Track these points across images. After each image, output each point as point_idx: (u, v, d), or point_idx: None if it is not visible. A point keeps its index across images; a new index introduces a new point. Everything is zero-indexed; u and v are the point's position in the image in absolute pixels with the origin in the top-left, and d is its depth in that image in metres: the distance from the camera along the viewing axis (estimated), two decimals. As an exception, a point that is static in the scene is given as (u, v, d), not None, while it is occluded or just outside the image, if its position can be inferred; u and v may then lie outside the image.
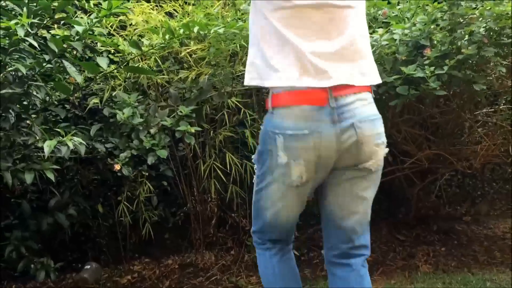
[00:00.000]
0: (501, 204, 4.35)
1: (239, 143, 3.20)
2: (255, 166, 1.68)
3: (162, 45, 2.67)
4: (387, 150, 1.68)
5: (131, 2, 3.14)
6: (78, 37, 2.26)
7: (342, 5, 1.52)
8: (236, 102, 2.93)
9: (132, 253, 3.68)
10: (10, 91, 2.19)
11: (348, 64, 1.55)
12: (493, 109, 3.22)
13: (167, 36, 2.62)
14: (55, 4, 2.44)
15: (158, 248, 3.72)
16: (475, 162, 3.06)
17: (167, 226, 3.69)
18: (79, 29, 2.21)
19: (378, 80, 1.66)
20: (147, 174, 3.05)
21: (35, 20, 2.08)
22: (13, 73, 2.34)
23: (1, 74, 2.07)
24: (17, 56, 2.17)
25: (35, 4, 2.33)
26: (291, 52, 1.52)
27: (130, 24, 3.22)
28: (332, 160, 1.59)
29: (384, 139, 1.67)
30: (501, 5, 2.62)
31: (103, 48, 2.93)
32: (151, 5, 3.18)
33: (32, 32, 2.04)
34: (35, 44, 1.96)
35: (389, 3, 3.27)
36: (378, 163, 1.65)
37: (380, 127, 1.65)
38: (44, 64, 2.38)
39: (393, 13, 3.09)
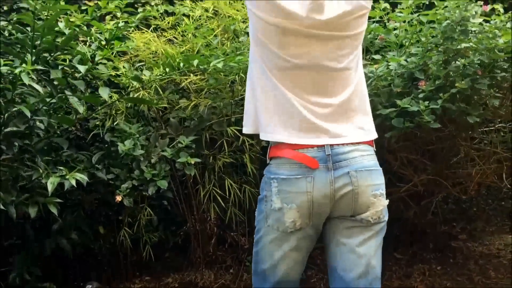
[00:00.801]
0: (497, 221, 4.42)
1: (238, 167, 3.26)
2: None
3: (162, 77, 2.73)
4: (387, 201, 1.68)
5: (133, 31, 3.20)
6: (80, 74, 2.32)
7: (340, 67, 1.56)
8: (235, 131, 2.98)
9: (133, 271, 3.75)
10: (14, 128, 2.25)
11: (345, 123, 1.59)
12: (489, 128, 3.26)
13: (167, 69, 2.67)
14: (59, 40, 2.51)
15: (158, 267, 3.79)
16: (470, 188, 3.11)
17: (168, 246, 3.76)
18: (82, 69, 2.27)
19: (375, 136, 1.68)
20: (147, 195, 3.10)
21: (39, 65, 2.13)
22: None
23: (5, 114, 2.12)
24: (20, 94, 2.22)
25: (38, 42, 2.39)
26: (287, 109, 1.56)
27: (131, 48, 3.29)
28: (327, 208, 1.61)
29: (383, 191, 1.65)
30: (494, 39, 2.67)
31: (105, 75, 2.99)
32: (152, 33, 3.23)
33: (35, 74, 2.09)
34: (39, 89, 2.02)
35: (385, 27, 3.33)
36: (378, 215, 1.63)
37: (378, 178, 1.65)
38: (48, 99, 2.44)
39: (389, 38, 3.14)
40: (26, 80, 1.93)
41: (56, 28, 2.34)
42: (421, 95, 2.68)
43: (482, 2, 2.82)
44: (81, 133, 3.29)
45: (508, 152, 3.16)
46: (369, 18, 3.33)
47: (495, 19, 2.72)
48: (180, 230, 3.84)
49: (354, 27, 1.54)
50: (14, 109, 2.15)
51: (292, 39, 1.51)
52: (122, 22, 2.94)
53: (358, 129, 1.62)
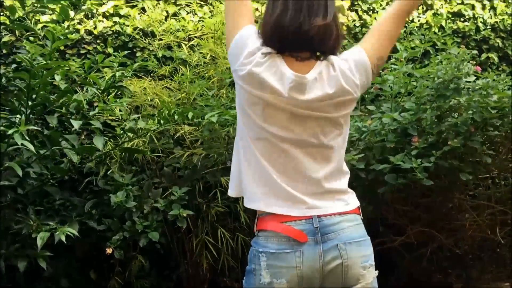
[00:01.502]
0: (492, 268, 4.37)
1: (232, 215, 3.25)
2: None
3: (157, 128, 2.74)
4: (377, 272, 1.67)
5: (131, 77, 3.24)
6: (74, 129, 2.33)
7: (321, 144, 1.56)
8: (228, 181, 2.98)
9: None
10: (6, 183, 2.25)
11: (328, 196, 1.58)
12: (482, 182, 3.26)
13: (162, 121, 2.69)
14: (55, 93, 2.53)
15: (151, 311, 3.74)
16: (464, 241, 3.10)
17: (160, 291, 3.71)
18: (76, 124, 2.29)
19: (358, 203, 1.68)
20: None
21: (34, 115, 2.14)
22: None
23: (-1, 169, 2.13)
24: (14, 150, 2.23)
25: (34, 95, 2.41)
26: (268, 181, 1.55)
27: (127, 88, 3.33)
28: (317, 282, 1.59)
29: (372, 262, 1.63)
30: (486, 97, 2.70)
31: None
32: (149, 80, 3.27)
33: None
34: (32, 149, 2.02)
35: (379, 76, 3.36)
36: (369, 286, 1.63)
37: (367, 249, 1.62)
38: (42, 152, 2.44)
39: (383, 88, 3.17)
40: (19, 141, 1.94)
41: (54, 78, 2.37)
42: (414, 152, 2.69)
43: (474, 63, 2.85)
44: (75, 176, 3.29)
45: (502, 205, 3.16)
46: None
47: (487, 78, 2.75)
48: (173, 274, 3.80)
49: (336, 110, 1.55)
50: (6, 164, 2.15)
51: (274, 113, 1.52)
52: (119, 72, 2.98)
53: (342, 201, 1.62)
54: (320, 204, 1.56)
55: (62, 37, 2.49)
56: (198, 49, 3.62)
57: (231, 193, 1.67)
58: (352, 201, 1.65)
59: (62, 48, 3.70)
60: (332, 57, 1.54)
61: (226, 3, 1.61)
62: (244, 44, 1.51)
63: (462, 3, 4.38)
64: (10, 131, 1.96)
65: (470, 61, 3.27)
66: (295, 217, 1.56)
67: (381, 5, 4.23)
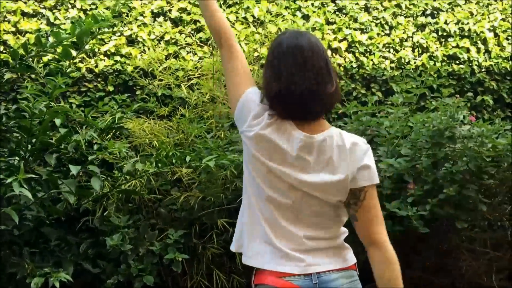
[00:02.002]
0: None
1: (227, 258, 3.24)
2: None
3: (154, 171, 2.76)
4: None
5: (131, 117, 3.27)
6: (72, 173, 2.35)
7: (322, 212, 1.56)
8: (224, 223, 2.99)
9: None
10: (3, 227, 2.25)
11: (325, 254, 1.59)
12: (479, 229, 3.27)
13: (159, 165, 2.70)
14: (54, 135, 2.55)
15: None
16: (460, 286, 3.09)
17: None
18: (74, 170, 2.30)
19: (355, 260, 1.69)
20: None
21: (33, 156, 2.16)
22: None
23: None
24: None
25: (34, 139, 2.43)
26: (268, 242, 1.56)
27: (126, 129, 3.36)
28: None
29: None
30: (482, 147, 2.73)
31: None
32: (148, 120, 3.30)
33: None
34: (30, 196, 2.04)
35: (374, 115, 3.41)
36: None
37: None
38: (39, 195, 2.45)
39: (379, 132, 3.20)
40: (17, 190, 1.95)
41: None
42: (410, 199, 2.71)
43: (469, 113, 2.89)
44: (71, 213, 3.29)
45: (497, 251, 3.16)
46: (360, 110, 3.43)
47: (482, 127, 2.79)
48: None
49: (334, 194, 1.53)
50: (2, 210, 2.16)
51: (275, 180, 1.54)
52: (118, 113, 3.01)
53: (340, 257, 1.62)
54: (319, 261, 1.57)
55: (63, 78, 2.50)
56: (197, 88, 3.66)
57: (232, 247, 1.68)
58: (349, 257, 1.65)
59: (62, 84, 3.74)
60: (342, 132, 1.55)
61: (225, 66, 1.64)
62: (249, 107, 1.54)
63: (457, 46, 4.46)
64: (9, 180, 1.97)
65: (465, 106, 3.34)
66: (294, 274, 1.57)
67: (377, 47, 4.31)
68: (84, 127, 3.31)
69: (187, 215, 3.00)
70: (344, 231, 1.67)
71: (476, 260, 3.23)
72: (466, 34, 4.50)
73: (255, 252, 1.59)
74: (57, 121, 2.50)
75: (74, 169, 2.32)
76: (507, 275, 3.35)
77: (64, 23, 3.87)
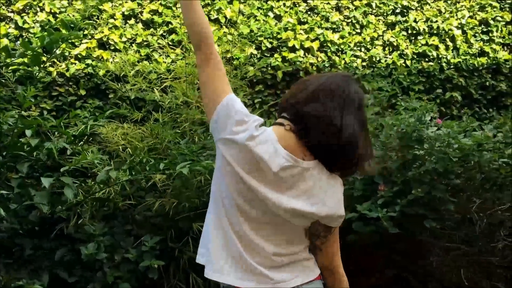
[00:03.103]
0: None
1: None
2: None
3: (129, 178, 2.77)
4: None
5: (104, 123, 3.26)
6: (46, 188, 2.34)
7: (290, 227, 1.57)
8: (200, 227, 3.01)
9: None
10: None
11: (293, 267, 1.60)
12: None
13: (133, 172, 2.71)
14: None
15: None
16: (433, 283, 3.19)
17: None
18: (46, 183, 2.30)
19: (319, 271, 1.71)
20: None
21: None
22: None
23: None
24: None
25: (4, 152, 2.41)
26: (235, 252, 1.56)
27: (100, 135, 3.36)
28: None
29: None
30: (449, 147, 2.81)
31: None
32: (122, 126, 3.29)
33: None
34: (2, 213, 2.03)
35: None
36: None
37: None
38: (12, 207, 2.44)
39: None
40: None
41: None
42: (380, 201, 2.77)
43: (436, 115, 2.97)
44: (45, 220, 3.27)
45: (468, 246, 3.26)
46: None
47: (448, 129, 2.86)
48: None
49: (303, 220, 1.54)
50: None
51: (249, 194, 1.52)
52: (91, 120, 3.00)
53: (307, 270, 1.63)
54: (286, 276, 1.58)
55: (32, 91, 2.48)
56: (171, 91, 3.66)
57: (199, 259, 1.66)
58: (315, 267, 1.67)
59: (33, 90, 3.69)
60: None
61: (202, 71, 1.54)
62: (229, 114, 1.47)
63: (427, 44, 4.55)
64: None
65: (433, 105, 3.42)
66: None
67: (349, 46, 4.36)
68: (56, 132, 3.29)
69: (163, 221, 3.01)
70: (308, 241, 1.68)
71: (446, 255, 3.33)
72: (435, 32, 4.59)
73: (223, 267, 1.56)
74: (28, 132, 2.48)
75: (46, 182, 2.32)
76: (477, 269, 3.47)
77: (33, 27, 3.82)
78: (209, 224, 1.61)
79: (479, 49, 4.66)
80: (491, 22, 4.71)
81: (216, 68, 1.55)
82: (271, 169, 1.45)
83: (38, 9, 3.87)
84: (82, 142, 3.17)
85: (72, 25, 3.57)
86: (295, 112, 1.50)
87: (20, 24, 3.79)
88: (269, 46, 4.19)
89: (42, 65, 3.29)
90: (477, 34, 4.69)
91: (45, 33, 3.12)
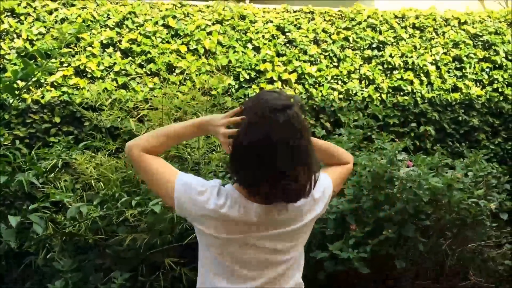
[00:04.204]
0: None
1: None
2: None
3: (100, 214, 2.74)
4: None
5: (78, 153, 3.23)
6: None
7: (283, 261, 1.56)
8: (171, 263, 2.99)
9: None
10: None
11: None
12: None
13: (104, 208, 2.69)
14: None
15: None
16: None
17: None
18: (13, 222, 2.26)
19: None
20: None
21: None
22: None
23: None
24: None
25: None
26: None
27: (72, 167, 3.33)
28: None
29: None
30: (419, 189, 2.86)
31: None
32: (96, 156, 3.27)
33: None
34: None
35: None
36: None
37: None
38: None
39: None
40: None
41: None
42: (351, 241, 2.80)
43: (406, 156, 3.02)
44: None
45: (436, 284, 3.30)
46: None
47: (419, 170, 2.92)
48: None
49: (299, 235, 1.56)
50: None
51: (238, 248, 1.49)
52: (64, 151, 2.98)
53: None
54: None
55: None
56: (147, 120, 3.65)
57: None
58: None
59: (6, 117, 3.66)
60: None
61: (147, 173, 1.52)
62: (188, 189, 1.46)
63: (402, 78, 4.64)
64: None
65: (408, 141, 3.48)
66: None
67: (326, 78, 4.43)
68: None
69: (134, 255, 2.98)
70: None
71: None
72: (410, 67, 4.68)
73: None
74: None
75: (12, 220, 2.28)
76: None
77: (9, 53, 3.78)
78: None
79: (453, 84, 4.77)
80: (465, 58, 4.83)
81: (158, 162, 1.53)
82: (252, 224, 1.47)
83: (15, 35, 3.84)
84: (53, 174, 3.13)
85: (48, 53, 3.58)
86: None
87: (-5, 50, 3.76)
88: (247, 77, 4.22)
89: (16, 93, 3.26)
90: (450, 70, 4.80)
91: (20, 65, 3.11)
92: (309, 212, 1.55)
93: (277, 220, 1.50)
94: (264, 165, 1.41)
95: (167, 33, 4.17)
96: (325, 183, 1.63)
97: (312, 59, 4.45)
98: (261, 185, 1.44)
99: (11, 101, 3.57)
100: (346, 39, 4.59)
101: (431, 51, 4.77)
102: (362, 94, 4.50)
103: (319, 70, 4.43)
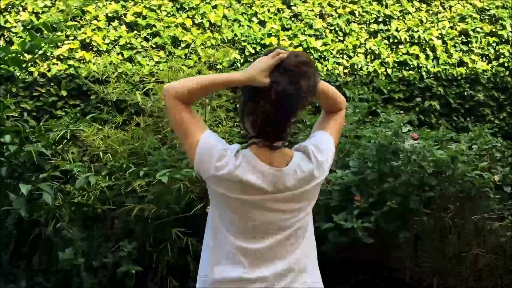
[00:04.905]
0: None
1: (182, 265, 3.30)
2: None
3: (109, 184, 2.78)
4: None
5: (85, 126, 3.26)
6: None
7: (292, 231, 1.59)
8: (178, 233, 3.05)
9: None
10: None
11: (297, 280, 1.64)
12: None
13: (112, 178, 2.73)
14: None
15: None
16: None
17: None
18: (24, 190, 2.30)
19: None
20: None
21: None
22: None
23: None
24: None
25: None
26: (243, 270, 1.60)
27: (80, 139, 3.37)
28: None
29: None
30: (424, 161, 2.88)
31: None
32: (103, 128, 3.30)
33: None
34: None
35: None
36: None
37: None
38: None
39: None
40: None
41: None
42: (356, 211, 2.83)
43: (411, 128, 3.03)
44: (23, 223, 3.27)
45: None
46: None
47: (424, 142, 2.93)
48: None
49: (309, 197, 1.60)
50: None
51: (251, 209, 1.53)
52: (71, 122, 3.00)
53: (310, 282, 1.67)
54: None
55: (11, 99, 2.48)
56: (153, 94, 3.67)
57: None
58: (318, 282, 1.69)
59: (14, 90, 3.68)
60: (307, 146, 1.58)
61: (177, 117, 1.52)
62: (211, 149, 1.50)
63: (407, 53, 4.62)
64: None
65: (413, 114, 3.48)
66: None
67: (331, 53, 4.41)
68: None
69: (142, 226, 3.03)
70: (314, 246, 1.68)
71: (419, 264, 3.41)
72: (416, 41, 4.66)
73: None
74: (7, 137, 2.48)
75: (24, 188, 2.33)
76: (449, 275, 3.56)
77: (15, 26, 3.79)
78: (212, 250, 1.59)
79: (459, 59, 4.75)
80: (471, 33, 4.80)
81: (192, 112, 1.56)
82: (264, 188, 1.51)
83: (20, 8, 3.84)
84: (61, 145, 3.16)
85: (54, 27, 3.58)
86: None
87: (1, 23, 3.76)
88: (253, 51, 4.22)
89: (23, 66, 3.27)
90: (456, 45, 4.78)
91: (27, 36, 3.12)
92: (317, 173, 1.58)
93: (289, 182, 1.53)
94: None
95: (172, 7, 4.16)
96: (328, 144, 1.65)
97: (318, 33, 4.43)
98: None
99: (18, 74, 3.59)
100: (351, 13, 4.55)
101: (437, 25, 4.74)
102: (367, 68, 4.49)
103: (325, 44, 4.41)
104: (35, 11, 3.84)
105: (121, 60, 3.94)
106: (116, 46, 3.98)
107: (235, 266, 1.58)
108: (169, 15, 4.14)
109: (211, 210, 1.62)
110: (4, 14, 3.80)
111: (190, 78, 1.61)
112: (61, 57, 3.85)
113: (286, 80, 1.47)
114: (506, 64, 4.84)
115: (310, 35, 4.40)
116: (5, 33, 3.79)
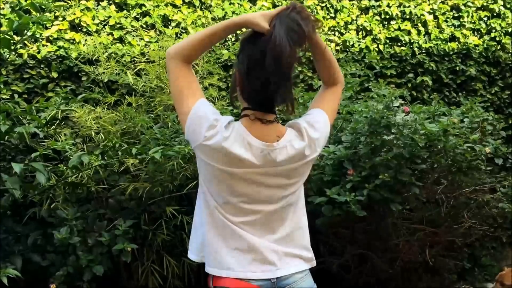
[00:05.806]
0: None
1: (178, 243, 3.32)
2: None
3: (101, 163, 2.78)
4: None
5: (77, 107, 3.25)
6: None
7: (283, 205, 1.60)
8: (173, 211, 3.06)
9: None
10: None
11: (288, 255, 1.66)
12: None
13: (105, 157, 2.73)
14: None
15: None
16: (397, 262, 3.32)
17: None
18: (17, 168, 2.30)
19: (315, 263, 1.76)
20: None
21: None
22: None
23: None
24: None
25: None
26: (235, 243, 1.61)
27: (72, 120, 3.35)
28: None
29: None
30: (415, 134, 2.90)
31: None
32: (95, 109, 3.29)
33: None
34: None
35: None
36: None
37: None
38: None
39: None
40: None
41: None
42: (348, 185, 2.86)
43: (403, 101, 3.04)
44: (18, 204, 3.27)
45: (433, 226, 3.39)
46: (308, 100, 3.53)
47: (415, 115, 2.95)
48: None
49: (299, 174, 1.60)
50: None
51: (238, 182, 1.54)
52: (62, 105, 2.99)
53: (301, 258, 1.68)
54: (282, 262, 1.60)
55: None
56: (144, 74, 3.65)
57: (194, 257, 1.67)
58: (310, 258, 1.71)
59: (4, 72, 3.65)
60: (300, 123, 1.58)
61: (176, 78, 1.54)
62: (202, 118, 1.49)
63: (399, 29, 4.61)
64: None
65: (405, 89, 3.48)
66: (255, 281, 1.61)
67: (323, 30, 4.40)
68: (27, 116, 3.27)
69: (136, 205, 3.05)
70: (305, 226, 1.69)
71: (412, 236, 3.45)
72: (407, 17, 4.65)
73: (228, 260, 1.58)
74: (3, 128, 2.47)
75: (17, 167, 2.32)
76: (441, 248, 3.61)
77: (3, 8, 3.74)
78: (201, 224, 1.62)
79: (450, 34, 4.74)
80: (462, 7, 4.79)
81: (192, 75, 1.57)
82: (253, 162, 1.51)
83: (7, -11, 3.79)
84: (54, 127, 3.15)
85: (42, 7, 3.54)
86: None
87: (-12, 4, 3.72)
88: (244, 29, 4.18)
89: (12, 47, 3.24)
90: (448, 19, 4.77)
91: (15, 16, 3.09)
92: (309, 152, 1.58)
93: (278, 158, 1.54)
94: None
95: (161, -15, 4.12)
96: (323, 122, 1.66)
97: (309, 10, 4.40)
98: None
99: (7, 56, 3.56)
100: (343, -11, 4.53)
101: (428, 0, 4.72)
102: (359, 45, 4.48)
103: (316, 21, 4.38)
104: (22, -9, 3.79)
105: (111, 40, 3.91)
106: (105, 27, 3.94)
107: (225, 239, 1.60)
108: (158, -6, 4.10)
109: (200, 181, 1.63)
110: (-9, -5, 3.75)
111: (190, 35, 1.61)
112: (51, 38, 3.82)
113: (284, 30, 1.46)
114: (497, 39, 4.84)
115: (301, 12, 4.37)
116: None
